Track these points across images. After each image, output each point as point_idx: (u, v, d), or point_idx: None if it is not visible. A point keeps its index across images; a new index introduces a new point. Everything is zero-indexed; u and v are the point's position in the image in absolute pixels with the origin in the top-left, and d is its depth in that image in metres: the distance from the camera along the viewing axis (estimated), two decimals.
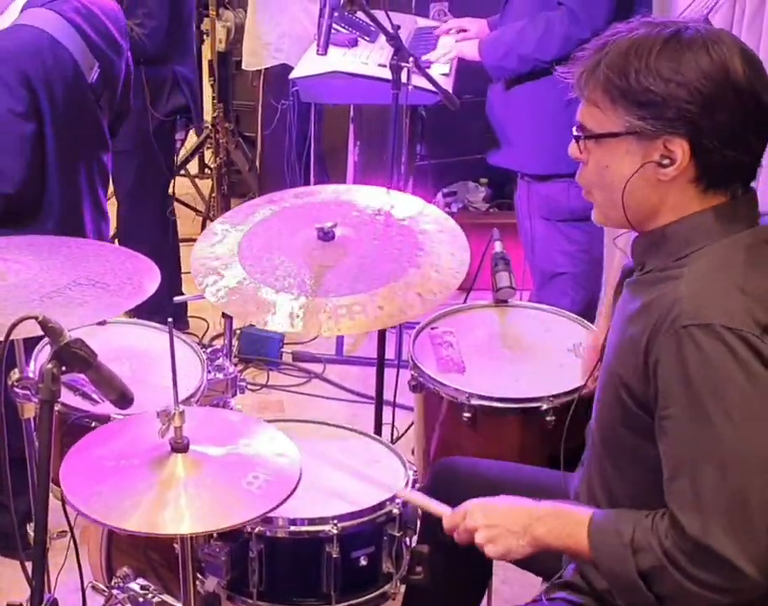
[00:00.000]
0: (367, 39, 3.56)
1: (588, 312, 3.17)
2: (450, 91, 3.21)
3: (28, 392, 2.18)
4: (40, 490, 1.61)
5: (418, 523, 2.16)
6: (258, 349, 4.02)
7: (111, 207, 3.20)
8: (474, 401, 2.28)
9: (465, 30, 3.65)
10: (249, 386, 3.53)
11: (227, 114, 4.76)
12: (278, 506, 1.72)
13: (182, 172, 5.04)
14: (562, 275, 3.38)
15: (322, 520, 1.96)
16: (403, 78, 2.87)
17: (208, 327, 4.16)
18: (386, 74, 2.96)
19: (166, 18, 3.69)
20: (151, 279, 2.19)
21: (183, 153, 4.93)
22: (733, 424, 1.54)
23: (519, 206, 3.48)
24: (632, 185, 1.65)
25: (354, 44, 3.63)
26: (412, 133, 4.07)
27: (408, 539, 2.09)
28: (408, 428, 2.84)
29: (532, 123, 3.25)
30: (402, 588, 2.13)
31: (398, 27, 2.97)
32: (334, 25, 3.00)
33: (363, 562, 2.00)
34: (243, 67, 4.63)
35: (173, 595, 2.09)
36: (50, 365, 1.60)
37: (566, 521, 1.73)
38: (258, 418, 2.05)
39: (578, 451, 2.03)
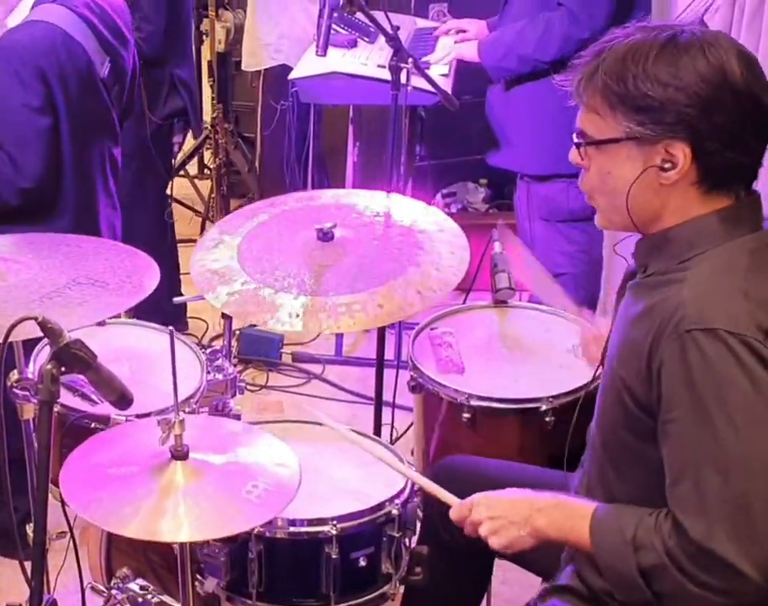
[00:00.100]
0: (366, 40, 3.56)
1: None
2: (450, 91, 3.21)
3: (27, 393, 2.18)
4: (39, 491, 1.61)
5: (418, 523, 2.16)
6: (257, 350, 4.02)
7: None
8: (473, 402, 2.28)
9: (464, 31, 3.66)
10: (249, 387, 3.55)
11: (227, 115, 4.76)
12: (275, 515, 1.71)
13: (181, 172, 5.04)
14: (562, 276, 3.37)
15: (322, 521, 1.95)
16: (403, 79, 2.87)
17: (207, 328, 4.16)
18: (386, 75, 2.96)
19: (163, 21, 3.68)
20: (150, 277, 2.19)
21: (180, 156, 4.93)
22: (736, 428, 1.54)
23: (518, 207, 3.48)
24: (634, 190, 1.65)
25: (353, 45, 3.63)
26: (411, 134, 4.07)
27: (407, 540, 2.09)
28: (408, 429, 2.84)
29: (532, 123, 3.25)
30: (402, 589, 2.13)
31: (398, 28, 2.96)
32: (334, 26, 3.00)
33: (362, 563, 2.00)
34: (243, 68, 4.62)
35: (172, 596, 2.09)
36: (49, 366, 1.60)
37: (568, 514, 1.73)
38: (259, 426, 2.04)
39: (578, 451, 2.03)
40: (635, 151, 1.63)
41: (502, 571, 2.39)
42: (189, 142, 5.03)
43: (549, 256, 3.38)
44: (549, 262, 3.38)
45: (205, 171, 5.38)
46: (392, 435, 3.03)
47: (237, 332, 3.95)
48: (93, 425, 2.14)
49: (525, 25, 3.16)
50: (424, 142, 4.51)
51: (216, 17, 4.64)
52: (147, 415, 2.08)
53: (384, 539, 2.02)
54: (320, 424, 2.29)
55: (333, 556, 1.95)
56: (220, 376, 2.36)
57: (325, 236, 2.27)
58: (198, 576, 1.98)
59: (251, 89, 4.83)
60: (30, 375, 2.22)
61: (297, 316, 2.10)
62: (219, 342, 3.80)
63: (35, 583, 1.64)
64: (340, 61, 3.53)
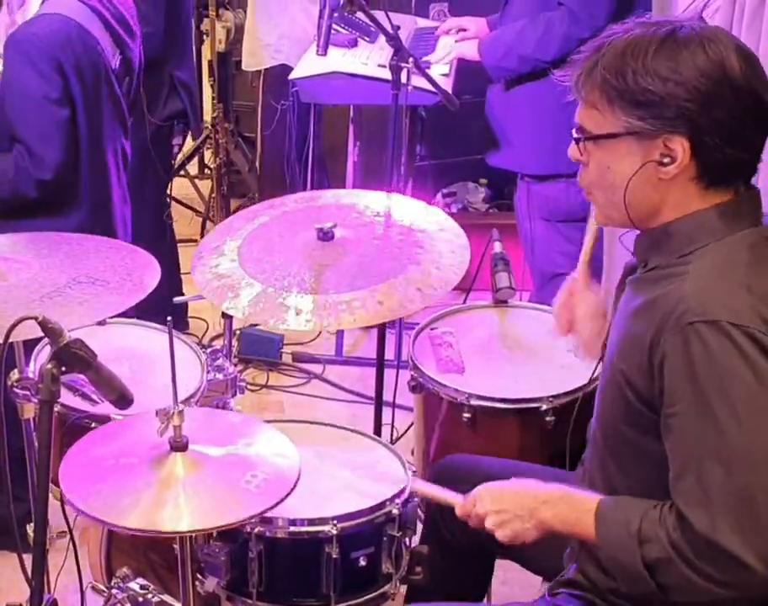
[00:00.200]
0: (367, 39, 3.56)
1: None
2: (450, 91, 3.21)
3: (27, 393, 2.18)
4: (39, 490, 1.62)
5: (418, 523, 2.16)
6: (257, 350, 4.02)
7: None
8: (474, 402, 2.28)
9: (464, 30, 3.65)
10: (249, 387, 3.54)
11: (227, 115, 4.76)
12: (276, 505, 1.72)
13: (181, 172, 5.04)
14: (562, 276, 3.37)
15: (322, 520, 1.95)
16: (403, 79, 2.87)
17: (208, 328, 4.16)
18: (386, 74, 2.96)
19: (162, 22, 3.67)
20: (151, 275, 2.19)
21: (181, 156, 4.92)
22: (739, 420, 1.54)
23: (518, 207, 3.48)
24: (633, 185, 1.65)
25: (353, 44, 3.63)
26: (411, 133, 4.07)
27: (407, 540, 2.08)
28: (408, 429, 2.84)
29: (532, 123, 3.25)
30: (402, 589, 2.13)
31: (398, 27, 2.96)
32: (334, 26, 3.00)
33: (362, 563, 1.99)
34: (243, 68, 4.62)
35: (172, 595, 2.09)
36: (49, 366, 1.60)
37: (572, 506, 1.73)
38: (258, 419, 2.05)
39: (579, 450, 2.04)
40: (634, 146, 1.63)
41: (502, 571, 2.39)
42: (190, 142, 5.04)
43: (549, 256, 3.39)
44: (549, 262, 3.39)
45: (206, 171, 5.38)
46: (392, 435, 3.03)
47: (238, 332, 3.95)
48: (93, 425, 2.13)
49: (525, 25, 3.16)
50: (425, 142, 4.51)
51: (217, 17, 4.64)
52: None
53: (384, 538, 2.01)
54: (320, 424, 2.29)
55: (334, 556, 1.95)
56: (220, 376, 2.36)
57: (325, 235, 2.27)
58: (198, 576, 1.98)
59: (251, 89, 4.83)
60: (31, 375, 2.22)
61: (301, 313, 2.10)
62: (219, 341, 3.79)
63: (36, 583, 1.64)
64: (341, 60, 3.53)
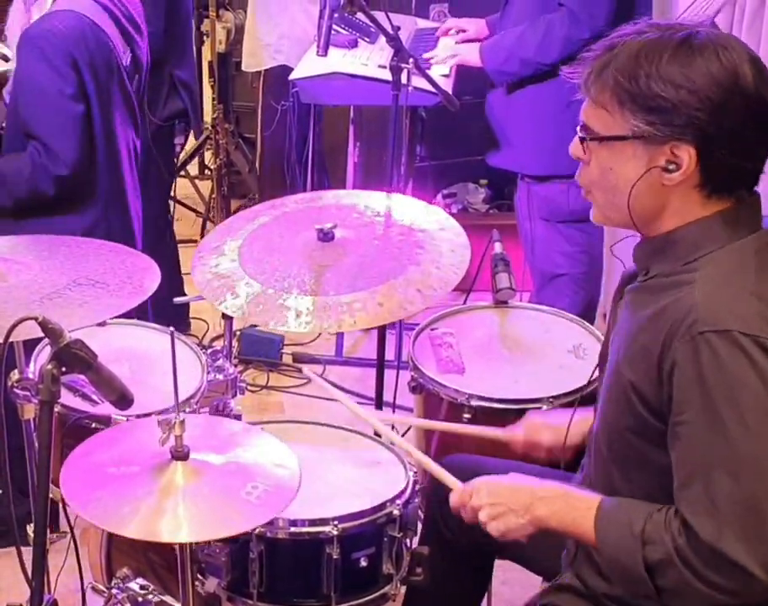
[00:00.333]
0: (367, 40, 3.56)
1: (587, 314, 3.17)
2: (450, 92, 3.21)
3: (28, 393, 2.19)
4: (39, 491, 1.62)
5: (419, 524, 2.16)
6: (258, 350, 4.02)
7: None
8: (474, 402, 2.28)
9: (464, 30, 3.66)
10: (249, 387, 3.54)
11: (227, 115, 4.76)
12: (275, 517, 1.71)
13: (182, 173, 5.04)
14: (562, 276, 3.38)
15: (323, 521, 1.95)
16: (403, 79, 2.87)
17: (208, 328, 4.16)
18: (386, 75, 2.96)
19: (162, 22, 3.67)
20: (151, 278, 2.19)
21: (182, 156, 4.93)
22: (748, 428, 1.54)
23: (519, 207, 3.48)
24: (635, 189, 1.64)
25: (354, 45, 3.63)
26: (412, 134, 4.07)
27: (408, 540, 2.09)
28: (408, 429, 2.83)
29: (532, 124, 3.25)
30: (403, 589, 2.13)
31: (398, 28, 2.96)
32: (334, 26, 3.00)
33: (363, 563, 1.99)
34: (243, 68, 4.62)
35: (173, 596, 2.09)
36: (49, 366, 1.60)
37: (571, 505, 1.73)
38: (259, 427, 2.04)
39: (578, 452, 2.03)
40: (640, 150, 1.62)
41: (502, 571, 2.39)
42: (190, 142, 5.04)
43: (549, 256, 3.39)
44: (549, 262, 3.39)
45: (206, 171, 5.38)
46: None
47: (238, 333, 3.95)
48: (93, 425, 2.14)
49: (525, 28, 3.15)
50: (425, 143, 4.51)
51: (217, 17, 4.64)
52: (148, 415, 2.08)
53: (385, 539, 2.02)
54: (320, 424, 2.30)
55: (334, 557, 1.95)
56: (220, 376, 2.36)
57: (325, 236, 2.27)
58: (199, 576, 1.98)
59: (251, 90, 4.83)
60: (31, 375, 2.22)
61: (301, 315, 2.10)
62: (220, 342, 3.79)
63: (36, 583, 1.64)
64: (341, 61, 3.53)
